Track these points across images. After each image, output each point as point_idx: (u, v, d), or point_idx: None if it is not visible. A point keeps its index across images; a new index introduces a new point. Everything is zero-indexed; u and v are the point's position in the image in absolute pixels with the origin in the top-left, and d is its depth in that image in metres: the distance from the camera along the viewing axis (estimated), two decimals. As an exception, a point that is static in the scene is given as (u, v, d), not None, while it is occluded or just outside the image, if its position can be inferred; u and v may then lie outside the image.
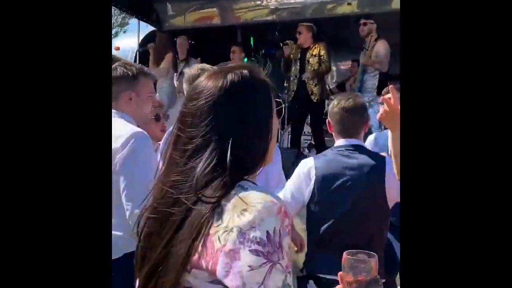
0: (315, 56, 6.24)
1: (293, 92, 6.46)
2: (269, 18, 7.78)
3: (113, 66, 2.35)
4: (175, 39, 7.20)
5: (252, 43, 8.50)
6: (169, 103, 7.47)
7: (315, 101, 6.30)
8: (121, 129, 2.21)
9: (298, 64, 6.42)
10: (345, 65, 8.09)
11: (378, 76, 5.57)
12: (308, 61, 6.28)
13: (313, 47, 6.31)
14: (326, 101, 7.06)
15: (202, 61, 7.52)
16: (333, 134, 2.74)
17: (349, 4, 6.36)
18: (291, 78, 6.60)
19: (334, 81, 8.06)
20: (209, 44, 7.88)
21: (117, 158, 2.14)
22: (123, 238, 2.21)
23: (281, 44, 6.74)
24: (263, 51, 8.01)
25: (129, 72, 2.37)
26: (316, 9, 7.05)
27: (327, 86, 7.03)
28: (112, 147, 2.10)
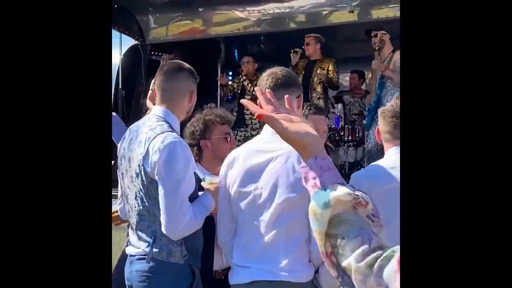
0: (323, 69, 6.01)
1: (295, 103, 6.15)
2: (253, 29, 7.42)
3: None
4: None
5: (236, 55, 8.20)
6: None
7: None
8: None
9: (303, 74, 6.15)
10: (343, 76, 7.75)
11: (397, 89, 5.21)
12: (316, 72, 6.05)
13: (324, 61, 6.13)
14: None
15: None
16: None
17: (351, 12, 5.99)
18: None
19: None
20: (192, 57, 7.48)
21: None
22: None
23: (291, 51, 6.44)
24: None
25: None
26: (311, 18, 6.71)
27: (329, 99, 6.77)
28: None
